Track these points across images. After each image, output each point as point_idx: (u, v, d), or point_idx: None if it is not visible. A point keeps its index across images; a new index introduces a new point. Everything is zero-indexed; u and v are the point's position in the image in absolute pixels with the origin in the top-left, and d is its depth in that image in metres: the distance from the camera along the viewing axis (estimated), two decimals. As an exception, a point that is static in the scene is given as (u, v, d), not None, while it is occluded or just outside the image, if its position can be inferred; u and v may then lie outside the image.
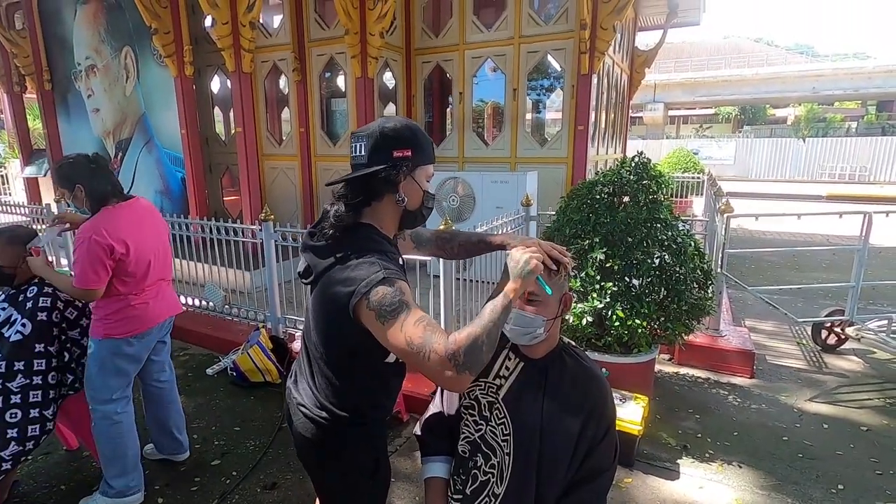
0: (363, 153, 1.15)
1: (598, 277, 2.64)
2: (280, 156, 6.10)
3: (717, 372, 3.59)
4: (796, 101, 28.98)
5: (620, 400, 2.57)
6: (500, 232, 3.48)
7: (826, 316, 3.95)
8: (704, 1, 7.65)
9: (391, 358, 1.20)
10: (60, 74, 7.21)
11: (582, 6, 4.99)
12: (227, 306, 4.26)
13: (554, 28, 5.46)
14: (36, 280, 2.22)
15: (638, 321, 2.57)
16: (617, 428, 1.33)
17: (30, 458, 2.42)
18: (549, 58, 5.75)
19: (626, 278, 2.64)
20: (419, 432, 1.43)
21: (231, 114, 6.52)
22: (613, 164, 3.06)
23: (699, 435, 2.85)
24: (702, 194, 10.46)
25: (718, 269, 3.63)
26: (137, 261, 2.13)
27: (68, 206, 4.89)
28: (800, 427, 2.93)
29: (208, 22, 5.82)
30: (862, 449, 2.72)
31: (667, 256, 2.69)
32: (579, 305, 2.64)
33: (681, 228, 2.85)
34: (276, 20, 6.40)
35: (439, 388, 1.44)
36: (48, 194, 8.23)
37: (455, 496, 1.30)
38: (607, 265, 2.64)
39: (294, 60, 5.68)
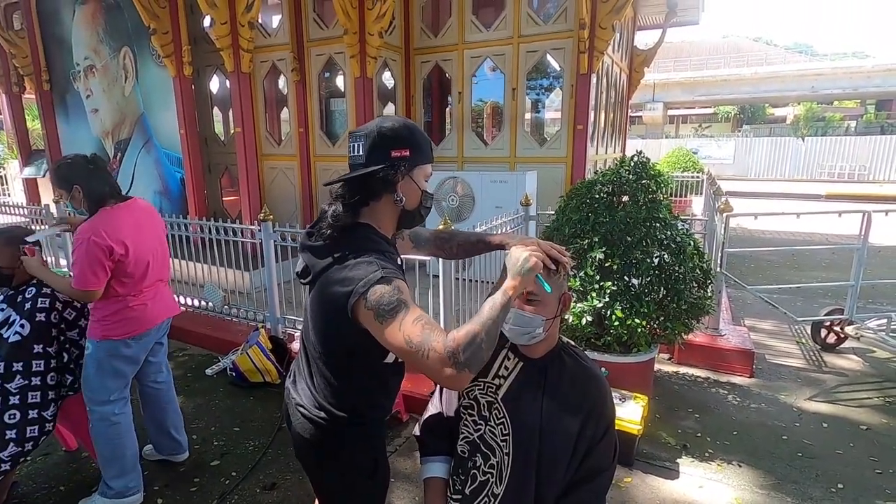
0: (361, 153, 1.15)
1: (598, 277, 2.64)
2: (279, 156, 6.10)
3: (717, 371, 3.59)
4: (795, 101, 28.99)
5: (620, 399, 2.57)
6: (499, 232, 3.48)
7: (825, 315, 3.95)
8: (703, 0, 7.65)
9: (390, 358, 1.20)
10: (59, 75, 7.20)
11: (581, 6, 4.99)
12: (226, 306, 4.26)
13: (553, 27, 5.46)
14: (35, 281, 2.22)
15: (637, 320, 2.56)
16: (616, 427, 1.33)
17: (29, 459, 2.42)
18: (549, 57, 5.75)
19: (626, 278, 2.64)
20: (418, 433, 1.42)
21: (230, 114, 6.51)
22: (613, 163, 3.06)
23: (699, 434, 2.85)
24: (701, 193, 10.47)
25: (718, 269, 3.63)
26: (136, 262, 2.13)
27: (66, 207, 4.89)
28: (799, 426, 2.93)
29: (207, 22, 5.80)
30: (861, 448, 2.72)
31: (666, 256, 2.69)
32: (578, 305, 2.64)
33: (680, 228, 2.85)
34: (275, 20, 6.39)
35: (438, 388, 1.44)
36: (47, 195, 8.23)
37: (454, 496, 1.30)
38: (606, 265, 2.63)
39: (293, 60, 5.67)
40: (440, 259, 2.81)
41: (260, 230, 3.82)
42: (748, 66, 29.18)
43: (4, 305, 2.18)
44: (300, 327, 2.43)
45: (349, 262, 1.09)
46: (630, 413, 2.47)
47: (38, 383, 2.14)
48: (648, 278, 2.63)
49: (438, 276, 2.99)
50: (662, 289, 2.67)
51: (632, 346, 2.71)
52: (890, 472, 2.52)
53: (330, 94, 6.48)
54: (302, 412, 1.25)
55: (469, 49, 5.90)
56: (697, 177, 11.28)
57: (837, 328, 3.90)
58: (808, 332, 4.16)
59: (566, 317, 2.61)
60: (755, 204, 12.83)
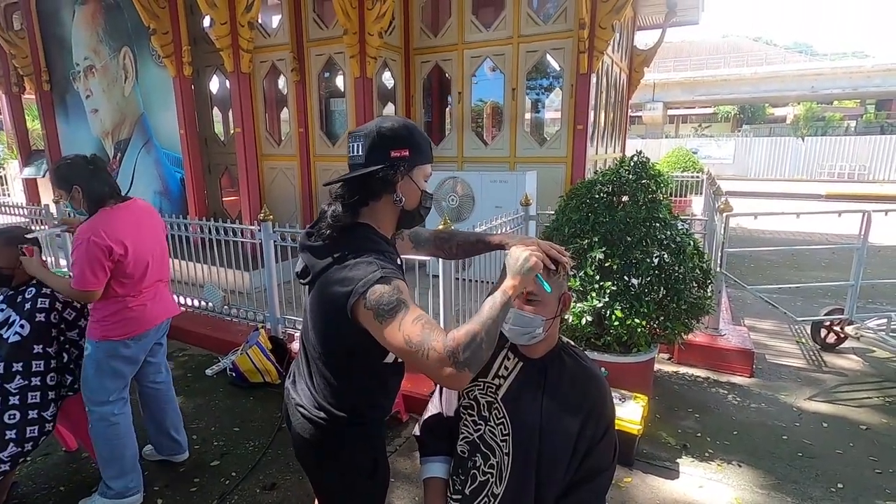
0: (360, 153, 1.15)
1: (598, 277, 2.64)
2: (279, 156, 6.10)
3: (717, 371, 3.59)
4: (795, 100, 29.00)
5: (620, 399, 2.57)
6: (499, 232, 3.48)
7: (825, 315, 3.95)
8: (703, 0, 7.65)
9: (389, 358, 1.20)
10: (59, 75, 7.20)
11: (581, 5, 4.99)
12: (226, 307, 4.26)
13: (553, 27, 5.46)
14: (34, 281, 2.22)
15: (637, 320, 2.56)
16: (616, 427, 1.33)
17: (28, 459, 2.42)
18: (548, 57, 5.75)
19: (626, 277, 2.64)
20: (418, 433, 1.42)
21: (230, 114, 6.51)
22: (612, 163, 3.06)
23: (699, 434, 2.85)
24: (701, 193, 10.47)
25: (717, 268, 3.63)
26: (136, 262, 2.13)
27: (66, 207, 4.89)
28: (799, 426, 2.93)
29: (207, 22, 5.80)
30: (861, 447, 2.72)
31: (666, 256, 2.69)
32: (578, 305, 2.64)
33: (680, 227, 2.85)
34: (275, 20, 6.40)
35: (438, 388, 1.44)
36: (47, 195, 8.22)
37: (454, 496, 1.30)
38: (606, 264, 2.63)
39: (293, 60, 5.67)
40: (440, 259, 2.81)
41: (260, 230, 3.82)
42: (748, 65, 29.18)
43: (4, 306, 2.18)
44: (300, 327, 2.44)
45: (349, 262, 1.09)
46: (630, 413, 2.47)
47: (38, 383, 2.14)
48: (648, 278, 2.63)
49: (438, 277, 2.99)
50: (662, 289, 2.66)
51: (632, 346, 2.71)
52: (890, 471, 2.52)
53: (330, 95, 6.49)
54: (302, 412, 1.25)
55: (469, 49, 5.90)
56: (697, 177, 11.28)
57: (837, 328, 3.90)
58: (808, 331, 4.16)
59: (566, 317, 2.61)
60: (755, 204, 12.84)
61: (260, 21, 5.79)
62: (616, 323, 2.58)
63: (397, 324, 0.99)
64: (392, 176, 1.15)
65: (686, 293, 2.66)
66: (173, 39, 5.77)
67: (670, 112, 32.04)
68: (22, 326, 2.12)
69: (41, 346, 2.15)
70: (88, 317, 2.19)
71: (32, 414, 2.12)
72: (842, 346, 3.96)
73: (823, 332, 3.97)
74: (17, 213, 5.75)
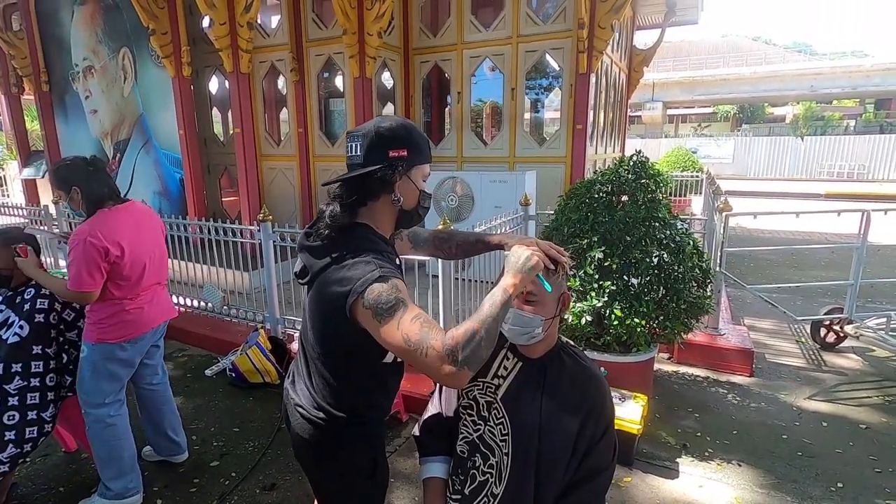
0: (359, 153, 1.15)
1: (597, 276, 2.64)
2: (278, 156, 6.09)
3: (717, 370, 3.59)
4: (794, 100, 29.01)
5: (619, 399, 2.57)
6: (498, 232, 3.48)
7: (825, 314, 3.95)
8: (702, -1, 7.67)
9: (389, 357, 1.20)
10: (58, 76, 7.19)
11: (580, 5, 4.99)
12: (225, 307, 4.26)
13: (552, 27, 5.46)
14: (34, 282, 2.21)
15: (637, 320, 2.56)
16: (616, 427, 1.33)
17: (28, 460, 2.42)
18: (548, 57, 5.75)
19: (625, 277, 2.64)
20: (417, 433, 1.42)
21: (229, 114, 6.51)
22: (612, 163, 3.06)
23: (698, 434, 2.85)
24: (700, 193, 10.47)
25: (717, 268, 3.63)
26: (132, 264, 2.12)
27: (65, 207, 4.89)
28: (799, 425, 2.93)
29: (206, 22, 5.81)
30: (861, 447, 2.72)
31: (665, 255, 2.68)
32: (578, 305, 2.64)
33: (679, 227, 2.85)
34: (274, 20, 6.39)
35: (437, 388, 1.44)
36: (46, 196, 8.22)
37: (454, 496, 1.30)
38: (606, 264, 2.63)
39: (292, 61, 5.67)
40: (439, 259, 2.81)
41: (259, 230, 3.82)
42: (747, 65, 29.19)
43: (3, 307, 2.18)
44: (299, 328, 2.44)
45: (347, 262, 1.09)
46: (630, 413, 2.47)
47: (37, 384, 2.14)
48: (648, 278, 2.63)
49: (438, 276, 2.99)
50: (662, 288, 2.66)
51: (631, 345, 2.71)
52: (889, 470, 2.52)
53: (329, 95, 6.49)
54: (301, 413, 1.25)
55: (468, 49, 5.90)
56: (697, 176, 11.28)
57: (837, 327, 3.90)
58: (808, 331, 4.16)
59: (565, 316, 2.61)
60: (754, 203, 12.84)
61: (259, 21, 5.79)
62: (615, 322, 2.58)
63: (396, 322, 0.99)
64: (390, 176, 1.15)
65: (685, 293, 2.66)
66: (172, 40, 5.77)
67: (670, 112, 32.04)
68: (21, 327, 2.12)
69: (40, 347, 2.15)
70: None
71: (31, 415, 2.12)
72: (841, 345, 3.96)
73: (823, 331, 3.97)
74: (16, 213, 5.74)
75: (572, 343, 1.36)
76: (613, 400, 1.38)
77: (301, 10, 5.60)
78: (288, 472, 2.55)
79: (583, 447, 1.23)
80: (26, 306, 2.16)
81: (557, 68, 5.75)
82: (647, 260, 2.63)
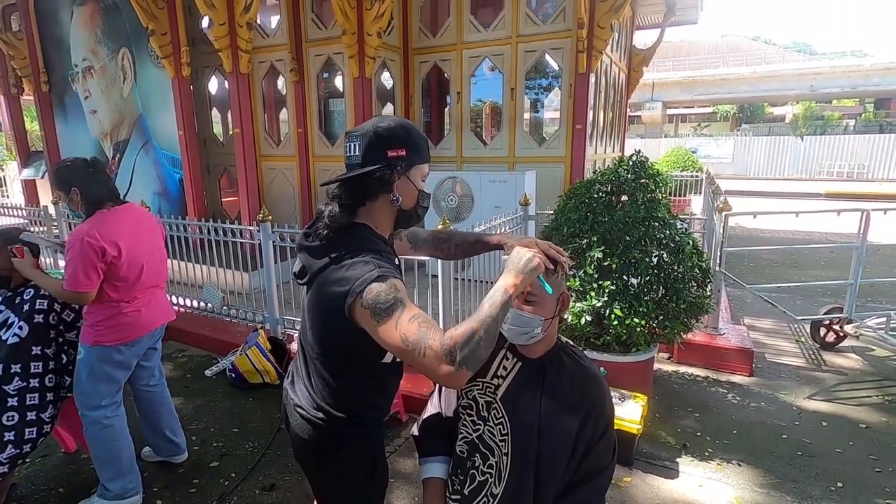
0: (357, 153, 1.15)
1: (597, 276, 2.64)
2: (278, 156, 6.09)
3: (716, 370, 3.59)
4: (794, 100, 29.02)
5: (619, 399, 2.57)
6: (498, 232, 3.48)
7: (825, 313, 3.95)
8: (702, -1, 7.67)
9: (388, 358, 1.20)
10: (57, 76, 7.19)
11: (579, 5, 4.99)
12: (225, 307, 4.26)
13: (551, 27, 5.46)
14: (32, 282, 2.21)
15: (636, 320, 2.56)
16: (616, 427, 1.33)
17: (27, 460, 2.41)
18: (547, 57, 5.75)
19: (625, 277, 2.64)
20: (416, 433, 1.42)
21: (229, 115, 6.51)
22: (611, 163, 3.06)
23: (698, 433, 2.85)
24: (700, 193, 10.47)
25: (717, 268, 3.63)
26: (129, 265, 2.11)
27: (65, 208, 4.89)
28: (799, 425, 2.93)
29: (205, 23, 5.80)
30: (861, 446, 2.72)
31: (665, 255, 2.68)
32: (578, 304, 2.64)
33: (679, 227, 2.85)
34: (274, 21, 6.39)
35: (437, 388, 1.44)
36: (46, 196, 8.21)
37: (453, 496, 1.30)
38: (605, 264, 2.63)
39: (291, 61, 5.67)
40: (439, 259, 2.81)
41: (259, 231, 3.82)
42: (747, 65, 29.19)
43: (3, 307, 2.18)
44: (299, 328, 2.44)
45: (346, 262, 1.09)
46: (629, 412, 2.47)
47: (37, 385, 2.14)
48: (647, 277, 2.63)
49: (437, 277, 2.99)
50: (661, 288, 2.66)
51: (631, 345, 2.71)
52: (889, 470, 2.52)
53: (329, 95, 6.49)
54: (300, 413, 1.24)
55: (468, 49, 5.90)
56: (696, 176, 11.29)
57: (837, 327, 3.90)
58: (808, 330, 4.16)
59: (565, 316, 2.61)
60: (754, 203, 12.83)
61: (258, 21, 5.79)
62: (615, 322, 2.57)
63: (394, 322, 0.99)
64: (389, 176, 1.15)
65: (685, 292, 2.66)
66: (172, 40, 5.77)
67: (669, 111, 32.06)
68: (20, 328, 2.12)
69: (39, 348, 2.15)
70: (84, 319, 2.19)
71: (31, 415, 2.12)
72: (841, 344, 3.96)
73: (823, 330, 3.97)
74: (16, 214, 5.74)
75: (572, 343, 1.37)
76: (613, 400, 1.38)
77: (300, 10, 5.60)
78: (287, 473, 2.55)
79: (582, 447, 1.23)
80: (26, 307, 2.16)
81: (557, 68, 5.75)
82: (647, 260, 2.63)
